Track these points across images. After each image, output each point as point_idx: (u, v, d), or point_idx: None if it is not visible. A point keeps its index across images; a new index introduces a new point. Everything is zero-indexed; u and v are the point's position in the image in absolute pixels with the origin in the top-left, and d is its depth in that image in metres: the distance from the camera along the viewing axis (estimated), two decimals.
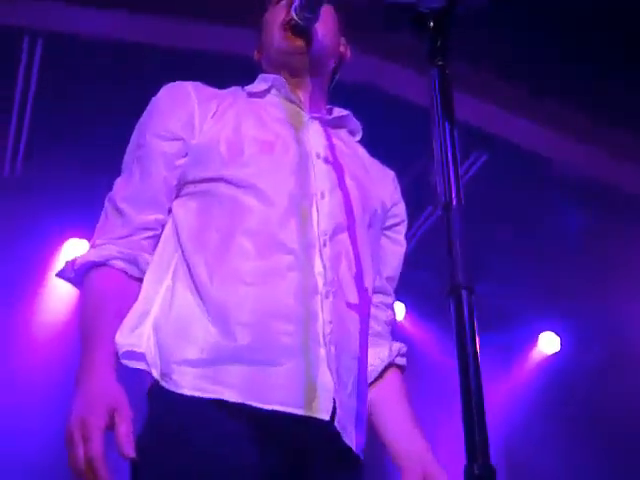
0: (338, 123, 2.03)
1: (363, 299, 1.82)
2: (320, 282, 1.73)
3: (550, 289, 5.92)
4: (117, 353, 1.67)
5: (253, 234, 1.74)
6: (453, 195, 1.32)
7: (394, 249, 2.05)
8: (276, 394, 1.62)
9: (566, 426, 6.17)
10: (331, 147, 1.93)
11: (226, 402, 1.61)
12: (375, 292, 1.96)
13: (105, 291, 1.75)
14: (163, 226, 1.83)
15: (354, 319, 1.78)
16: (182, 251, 1.77)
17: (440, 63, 1.38)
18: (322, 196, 1.82)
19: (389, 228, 2.05)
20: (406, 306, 5.94)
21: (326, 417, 1.64)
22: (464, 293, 1.25)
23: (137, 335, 1.70)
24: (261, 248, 1.72)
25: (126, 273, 1.78)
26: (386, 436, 1.92)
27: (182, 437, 1.61)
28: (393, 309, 2.06)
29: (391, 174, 2.11)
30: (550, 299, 6.04)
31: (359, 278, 1.82)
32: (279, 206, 1.77)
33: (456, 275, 1.27)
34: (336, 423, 1.65)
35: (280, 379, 1.63)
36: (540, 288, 5.94)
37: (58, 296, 5.35)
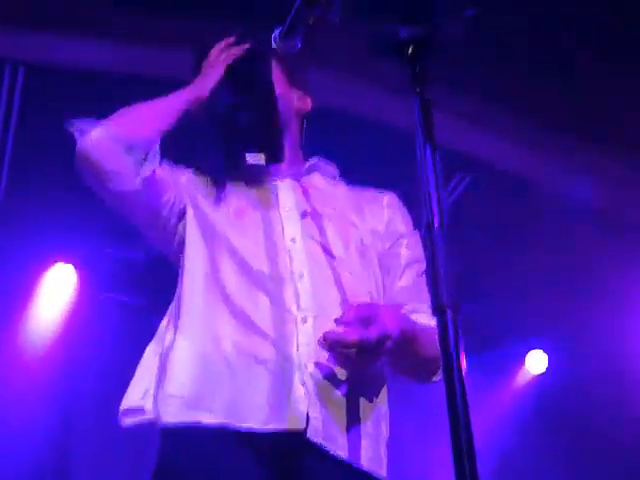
0: (311, 172, 2.12)
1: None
2: (294, 310, 1.82)
3: (537, 308, 5.93)
4: None
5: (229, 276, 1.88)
6: (435, 217, 1.34)
7: (399, 262, 2.06)
8: (252, 414, 1.72)
9: (556, 444, 6.16)
10: (302, 199, 2.02)
11: (206, 426, 1.72)
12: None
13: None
14: None
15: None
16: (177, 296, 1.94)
17: (419, 89, 1.41)
18: (293, 241, 1.92)
19: (391, 247, 2.07)
20: None
21: (301, 426, 1.71)
22: (449, 312, 1.27)
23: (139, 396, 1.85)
24: (242, 287, 1.86)
25: None
26: None
27: (172, 466, 1.74)
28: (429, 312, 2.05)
29: (385, 197, 2.14)
30: (537, 318, 6.05)
31: (345, 299, 1.86)
32: (252, 256, 1.90)
33: (441, 295, 1.29)
34: (309, 434, 1.71)
35: (255, 401, 1.74)
36: (527, 307, 5.94)
37: (42, 321, 5.35)
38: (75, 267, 5.39)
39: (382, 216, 2.09)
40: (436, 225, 1.35)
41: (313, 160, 2.13)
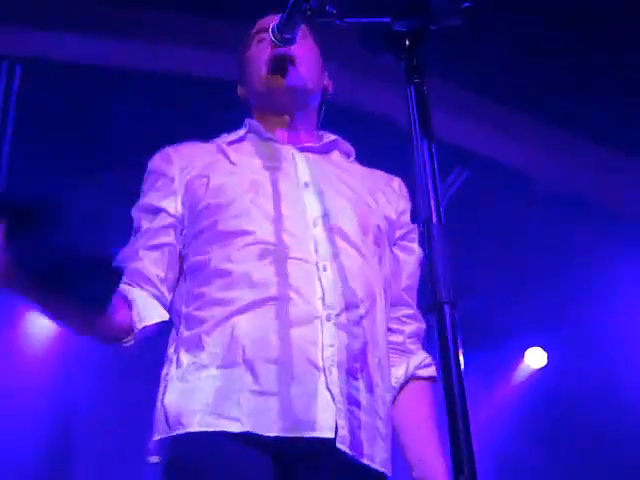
0: (328, 149, 2.06)
1: (370, 314, 1.83)
2: (319, 306, 1.75)
3: (536, 304, 5.93)
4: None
5: (247, 266, 1.79)
6: (433, 211, 1.33)
7: (408, 258, 2.04)
8: (277, 422, 1.66)
9: (554, 440, 6.16)
10: (320, 174, 1.95)
11: (231, 433, 1.66)
12: (394, 306, 1.98)
13: None
14: (143, 274, 1.88)
15: (360, 336, 1.78)
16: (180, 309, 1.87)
17: (417, 81, 1.40)
18: (315, 224, 1.84)
19: (401, 239, 2.03)
20: None
21: (330, 435, 1.67)
22: (446, 308, 1.26)
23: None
24: (258, 281, 1.77)
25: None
26: (406, 454, 1.92)
27: (197, 471, 1.67)
28: (417, 318, 2.04)
29: (396, 181, 2.11)
30: (536, 314, 6.05)
31: (365, 295, 1.83)
32: (272, 238, 1.81)
33: (438, 291, 1.28)
34: (338, 443, 1.67)
35: (280, 408, 1.67)
36: (526, 303, 5.94)
37: (41, 326, 5.35)
38: None
39: (395, 203, 2.05)
40: (434, 220, 1.34)
41: (332, 136, 2.07)
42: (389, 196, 2.05)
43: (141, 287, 1.86)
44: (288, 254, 1.79)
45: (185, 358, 1.77)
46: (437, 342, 1.26)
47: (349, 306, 1.78)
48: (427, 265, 1.32)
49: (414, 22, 1.43)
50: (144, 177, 2.02)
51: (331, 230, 1.85)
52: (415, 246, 2.06)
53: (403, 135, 1.42)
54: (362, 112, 4.28)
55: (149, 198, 1.96)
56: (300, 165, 1.95)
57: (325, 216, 1.86)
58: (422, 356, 1.99)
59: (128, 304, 1.83)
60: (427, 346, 1.99)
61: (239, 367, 1.71)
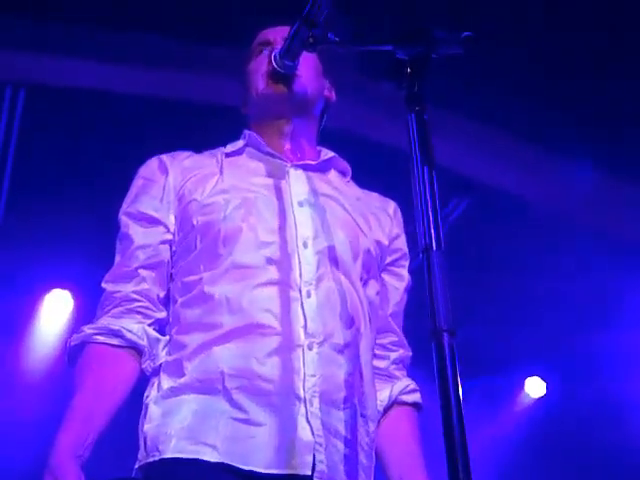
0: (326, 166, 2.03)
1: (355, 341, 1.80)
2: (302, 334, 1.72)
3: (535, 333, 5.91)
4: (88, 436, 1.71)
5: (231, 290, 1.76)
6: (433, 238, 1.33)
7: (397, 284, 2.02)
8: (254, 455, 1.63)
9: (553, 469, 6.13)
10: (314, 193, 1.92)
11: (206, 462, 1.62)
12: (380, 332, 1.96)
13: (84, 368, 1.80)
14: (143, 295, 1.86)
15: (344, 365, 1.75)
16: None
17: (417, 108, 1.40)
18: (305, 245, 1.81)
19: (391, 264, 2.02)
20: None
21: (307, 472, 1.63)
22: (445, 336, 1.25)
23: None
24: (238, 306, 1.74)
25: (109, 344, 1.80)
26: (389, 475, 1.89)
27: None
28: (403, 345, 2.02)
29: (391, 205, 2.09)
30: (536, 343, 6.03)
31: (349, 322, 1.79)
32: (259, 260, 1.78)
33: (437, 318, 1.27)
34: (315, 478, 1.63)
35: (258, 439, 1.64)
36: (525, 332, 5.93)
37: (42, 344, 5.35)
38: (72, 293, 5.42)
39: (388, 227, 2.03)
40: (434, 247, 1.34)
41: (329, 154, 2.04)
42: (383, 220, 2.03)
43: (145, 316, 1.84)
44: (272, 279, 1.76)
45: (165, 382, 1.75)
46: (436, 370, 1.25)
47: (332, 334, 1.74)
48: (427, 293, 1.31)
49: (416, 50, 1.44)
50: (134, 181, 1.98)
51: (321, 253, 1.82)
52: (405, 273, 2.05)
53: (402, 161, 1.43)
54: (360, 138, 4.28)
55: (143, 206, 1.92)
56: (295, 183, 1.92)
57: (316, 237, 1.83)
58: (407, 382, 1.98)
59: (138, 350, 1.82)
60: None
61: (218, 395, 1.68)
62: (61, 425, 1.71)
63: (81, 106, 4.36)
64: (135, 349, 1.81)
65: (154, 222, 1.89)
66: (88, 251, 4.57)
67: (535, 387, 6.47)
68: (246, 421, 1.65)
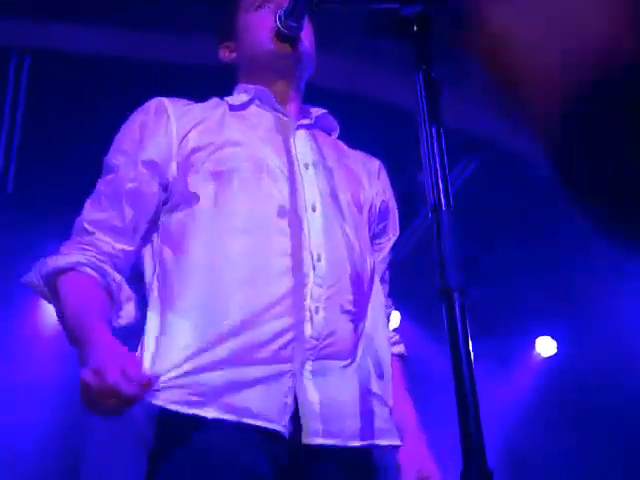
0: (320, 123, 2.04)
1: (362, 303, 1.82)
2: (308, 299, 1.72)
3: (546, 292, 5.92)
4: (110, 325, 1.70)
5: (241, 254, 1.74)
6: (442, 198, 1.32)
7: (387, 236, 2.07)
8: (245, 404, 1.63)
9: (565, 428, 6.16)
10: (318, 153, 1.93)
11: (206, 419, 1.62)
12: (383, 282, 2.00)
13: (81, 291, 1.75)
14: (129, 256, 1.82)
15: (350, 327, 1.77)
16: (161, 269, 1.79)
17: (425, 67, 1.39)
18: (313, 209, 1.81)
19: (380, 220, 2.04)
20: (401, 313, 5.94)
21: (310, 441, 1.64)
22: (455, 295, 1.25)
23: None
24: (248, 269, 1.73)
25: (94, 278, 1.77)
26: None
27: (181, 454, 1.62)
28: (389, 297, 2.07)
29: (376, 164, 2.11)
30: (547, 302, 6.04)
31: (358, 283, 1.81)
32: (268, 222, 1.77)
33: (447, 277, 1.27)
34: (304, 438, 1.65)
35: (252, 390, 1.65)
36: (536, 291, 5.93)
37: (47, 322, 5.38)
38: None
39: (377, 185, 2.05)
40: (443, 207, 1.33)
41: (320, 110, 2.04)
42: (372, 178, 2.05)
43: (125, 277, 1.81)
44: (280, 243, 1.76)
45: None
46: (446, 329, 1.25)
47: (341, 296, 1.76)
48: (437, 252, 1.31)
49: (421, 8, 1.42)
50: (132, 122, 1.91)
51: (329, 216, 1.83)
52: (395, 227, 2.08)
53: (413, 121, 1.41)
54: (369, 98, 4.26)
55: (145, 152, 1.84)
56: (300, 144, 1.92)
57: (323, 200, 1.84)
58: (391, 333, 2.00)
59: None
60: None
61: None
62: (83, 336, 1.64)
63: (87, 71, 4.34)
64: (110, 296, 1.78)
65: (154, 169, 1.84)
66: None
67: (546, 346, 6.49)
68: (248, 379, 1.65)
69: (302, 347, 1.69)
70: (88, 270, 1.77)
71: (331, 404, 1.69)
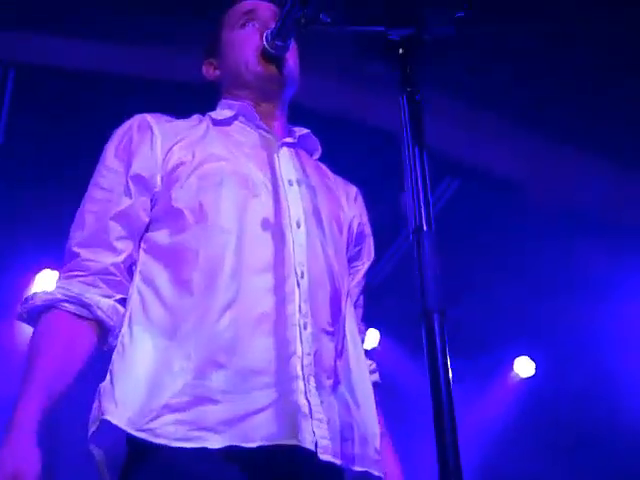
0: (303, 143, 2.03)
1: (339, 323, 1.81)
2: (297, 314, 1.71)
3: (524, 313, 5.94)
4: (46, 406, 1.65)
5: (226, 267, 1.72)
6: (423, 219, 1.34)
7: (361, 261, 2.06)
8: (259, 431, 1.60)
9: (542, 448, 6.17)
10: (303, 172, 1.93)
11: (211, 450, 1.58)
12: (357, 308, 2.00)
13: (47, 334, 1.73)
14: (120, 269, 1.79)
15: (330, 346, 1.76)
16: (143, 290, 1.76)
17: (409, 90, 1.40)
18: (298, 225, 1.81)
19: (356, 244, 2.04)
20: (380, 333, 5.94)
21: (312, 447, 1.62)
22: (435, 317, 1.26)
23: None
24: (234, 283, 1.71)
25: (75, 314, 1.75)
26: None
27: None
28: (364, 321, 2.08)
29: (354, 189, 2.11)
30: (525, 323, 6.06)
31: (336, 303, 1.81)
32: (251, 242, 1.75)
33: (427, 299, 1.28)
34: (319, 453, 1.63)
35: (261, 416, 1.62)
36: (514, 313, 5.95)
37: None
38: None
39: (354, 209, 2.05)
40: (424, 228, 1.34)
41: (303, 131, 2.04)
42: (350, 204, 2.05)
43: (118, 290, 1.78)
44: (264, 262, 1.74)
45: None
46: (425, 350, 1.26)
47: (321, 314, 1.75)
48: (417, 273, 1.32)
49: (408, 31, 1.43)
50: (116, 138, 1.89)
51: (311, 233, 1.82)
52: (371, 254, 2.08)
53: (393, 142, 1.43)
54: (356, 122, 4.28)
55: (131, 167, 1.82)
56: (284, 161, 1.91)
57: (307, 217, 1.83)
58: (368, 361, 1.99)
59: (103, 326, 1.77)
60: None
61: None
62: (23, 389, 1.65)
63: (72, 86, 4.34)
64: (100, 324, 1.76)
65: (140, 184, 1.82)
66: None
67: (524, 367, 6.50)
68: (245, 399, 1.63)
69: (302, 363, 1.68)
70: (67, 306, 1.74)
71: (334, 423, 1.69)
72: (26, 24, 4.09)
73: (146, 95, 3.98)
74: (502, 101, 4.44)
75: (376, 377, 2.01)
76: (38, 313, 1.76)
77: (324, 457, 1.63)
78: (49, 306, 1.75)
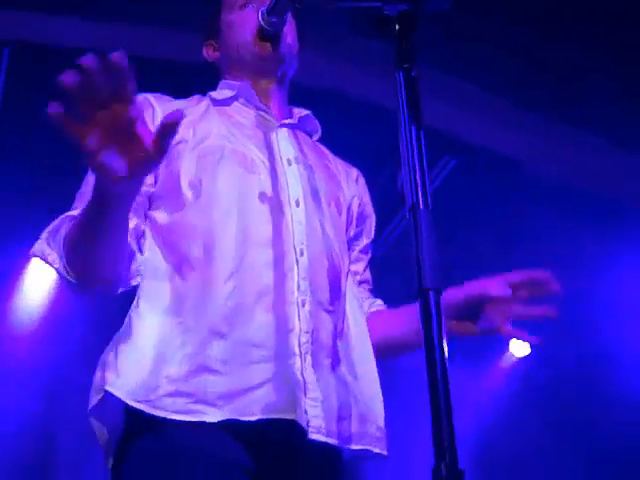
0: (303, 124, 2.04)
1: (339, 303, 1.82)
2: (296, 292, 1.72)
3: None
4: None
5: (227, 240, 1.73)
6: (420, 197, 1.33)
7: (361, 240, 2.07)
8: (258, 404, 1.62)
9: (537, 428, 6.20)
10: (301, 152, 1.94)
11: (209, 423, 1.60)
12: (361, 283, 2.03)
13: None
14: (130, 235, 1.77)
15: (329, 325, 1.77)
16: (148, 268, 1.75)
17: (406, 66, 1.39)
18: (297, 204, 1.81)
19: (358, 224, 2.05)
20: None
21: (304, 424, 1.63)
22: (431, 294, 1.26)
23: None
24: (235, 256, 1.71)
25: None
26: (396, 337, 1.95)
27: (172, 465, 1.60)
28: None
29: (355, 171, 2.11)
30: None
31: (335, 282, 1.82)
32: (251, 217, 1.76)
33: (423, 277, 1.27)
34: (311, 434, 1.64)
35: (260, 391, 1.63)
36: None
37: (26, 307, 5.36)
38: None
39: (354, 190, 2.06)
40: (421, 206, 1.34)
41: (303, 112, 2.04)
42: (351, 185, 2.06)
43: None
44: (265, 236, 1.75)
45: None
46: (421, 328, 1.26)
47: (320, 292, 1.76)
48: (414, 252, 1.31)
49: (404, 6, 1.42)
50: None
51: (311, 212, 1.83)
52: (372, 233, 2.09)
53: (393, 121, 1.41)
54: (349, 98, 4.26)
55: None
56: (283, 142, 1.92)
57: (306, 196, 1.84)
58: (373, 299, 2.04)
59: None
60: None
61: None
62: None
63: (67, 64, 4.31)
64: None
65: None
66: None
67: (519, 347, 6.52)
68: (241, 374, 1.64)
69: (299, 341, 1.69)
70: None
71: (330, 402, 1.69)
72: (22, 1, 4.07)
73: (144, 74, 3.96)
74: (499, 79, 4.43)
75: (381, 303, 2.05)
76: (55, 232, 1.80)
77: (315, 437, 1.64)
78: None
